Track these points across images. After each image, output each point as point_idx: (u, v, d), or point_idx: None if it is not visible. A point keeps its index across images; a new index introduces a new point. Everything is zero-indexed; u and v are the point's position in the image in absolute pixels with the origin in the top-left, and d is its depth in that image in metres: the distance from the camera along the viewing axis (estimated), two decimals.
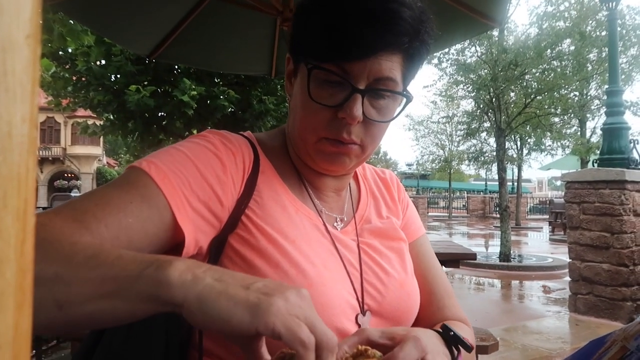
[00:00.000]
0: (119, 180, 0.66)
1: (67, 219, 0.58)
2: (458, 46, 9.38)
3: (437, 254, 1.01)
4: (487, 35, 8.71)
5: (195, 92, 7.90)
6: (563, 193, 5.93)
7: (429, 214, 26.98)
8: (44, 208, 8.82)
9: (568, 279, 5.21)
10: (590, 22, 11.00)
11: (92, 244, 0.55)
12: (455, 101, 14.35)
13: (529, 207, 28.57)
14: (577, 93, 12.61)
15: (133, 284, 0.47)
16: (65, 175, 37.21)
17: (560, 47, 9.62)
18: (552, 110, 10.45)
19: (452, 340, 0.70)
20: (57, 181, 35.53)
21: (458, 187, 43.98)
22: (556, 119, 11.79)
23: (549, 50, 9.00)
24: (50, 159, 36.47)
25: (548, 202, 22.28)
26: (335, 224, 0.84)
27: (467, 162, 16.48)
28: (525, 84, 9.58)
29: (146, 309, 0.48)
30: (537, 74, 9.48)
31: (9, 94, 0.20)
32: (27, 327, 0.21)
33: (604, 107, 7.06)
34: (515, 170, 21.10)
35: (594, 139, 15.42)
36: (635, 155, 5.29)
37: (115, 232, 0.59)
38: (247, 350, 0.51)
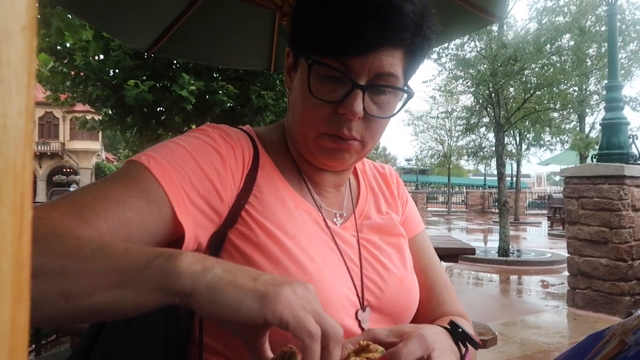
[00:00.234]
0: (118, 174, 0.65)
1: (66, 212, 0.57)
2: (457, 41, 9.36)
3: (436, 249, 1.01)
4: (487, 30, 8.69)
5: (194, 87, 7.87)
6: (562, 188, 5.93)
7: (428, 209, 27.01)
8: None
9: (566, 273, 5.23)
10: (590, 17, 11.00)
11: (96, 238, 0.55)
12: (455, 96, 14.34)
13: (527, 202, 28.60)
14: (576, 88, 12.62)
15: (142, 274, 0.48)
16: (64, 170, 37.15)
17: (559, 42, 9.62)
18: (551, 105, 10.46)
19: (460, 337, 0.69)
20: (55, 176, 35.48)
21: (457, 182, 44.02)
22: (555, 114, 11.80)
23: (548, 45, 8.99)
24: (48, 154, 36.40)
25: (547, 197, 22.34)
26: (334, 220, 0.83)
27: (466, 157, 16.48)
28: (524, 79, 9.57)
29: (153, 300, 0.48)
30: (537, 69, 9.48)
31: (4, 86, 0.19)
32: (24, 321, 0.21)
33: (603, 102, 7.06)
34: (514, 166, 21.13)
35: (593, 134, 15.46)
36: (634, 150, 5.29)
37: (114, 226, 0.59)
38: (251, 346, 0.51)
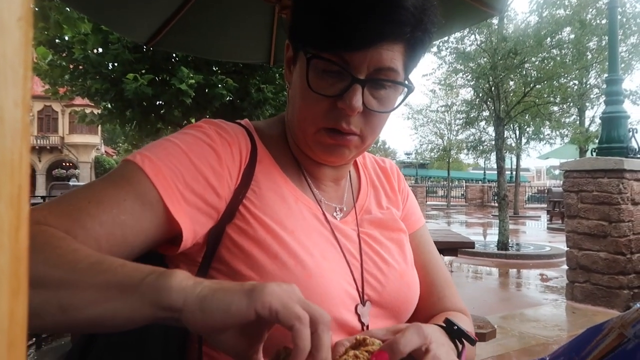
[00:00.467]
0: (114, 175, 0.66)
1: (62, 216, 0.59)
2: (457, 34, 9.31)
3: (435, 242, 1.01)
4: (487, 23, 8.65)
5: (193, 81, 7.85)
6: (561, 182, 5.93)
7: (428, 202, 27.04)
8: (42, 197, 8.82)
9: (565, 267, 5.24)
10: (591, 10, 10.93)
11: (93, 252, 0.57)
12: (455, 90, 14.29)
13: (527, 196, 28.62)
14: (576, 82, 12.60)
15: (136, 289, 0.50)
16: (64, 164, 37.15)
17: (560, 36, 9.57)
18: (551, 99, 10.43)
19: (456, 335, 0.70)
20: (55, 170, 35.49)
21: (457, 176, 44.07)
22: (555, 108, 11.77)
23: (548, 39, 8.94)
24: (48, 147, 36.38)
25: (546, 191, 22.34)
26: (334, 214, 0.83)
27: (465, 151, 16.46)
28: (524, 72, 9.53)
29: (147, 315, 0.50)
30: (537, 63, 9.43)
31: (0, 78, 0.19)
32: (22, 314, 0.21)
33: (603, 96, 7.04)
34: (514, 159, 21.11)
35: (593, 128, 15.44)
36: (633, 144, 5.29)
37: (110, 229, 0.61)
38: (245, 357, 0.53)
